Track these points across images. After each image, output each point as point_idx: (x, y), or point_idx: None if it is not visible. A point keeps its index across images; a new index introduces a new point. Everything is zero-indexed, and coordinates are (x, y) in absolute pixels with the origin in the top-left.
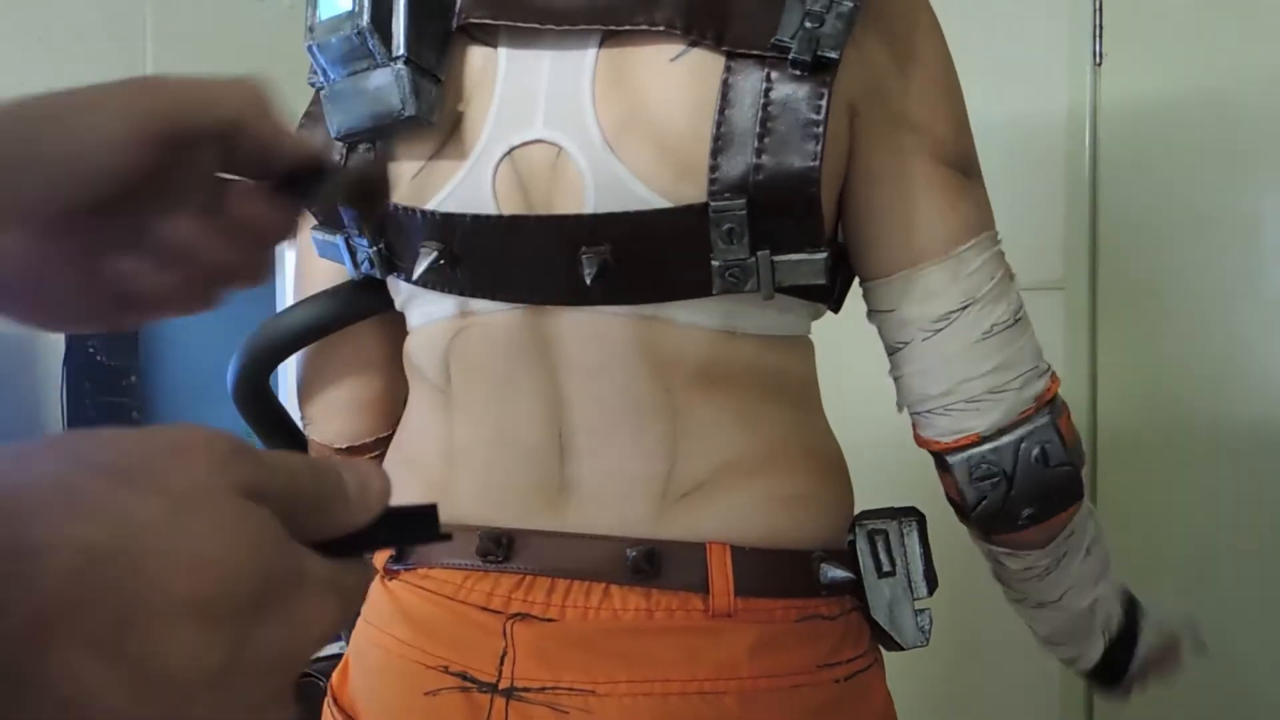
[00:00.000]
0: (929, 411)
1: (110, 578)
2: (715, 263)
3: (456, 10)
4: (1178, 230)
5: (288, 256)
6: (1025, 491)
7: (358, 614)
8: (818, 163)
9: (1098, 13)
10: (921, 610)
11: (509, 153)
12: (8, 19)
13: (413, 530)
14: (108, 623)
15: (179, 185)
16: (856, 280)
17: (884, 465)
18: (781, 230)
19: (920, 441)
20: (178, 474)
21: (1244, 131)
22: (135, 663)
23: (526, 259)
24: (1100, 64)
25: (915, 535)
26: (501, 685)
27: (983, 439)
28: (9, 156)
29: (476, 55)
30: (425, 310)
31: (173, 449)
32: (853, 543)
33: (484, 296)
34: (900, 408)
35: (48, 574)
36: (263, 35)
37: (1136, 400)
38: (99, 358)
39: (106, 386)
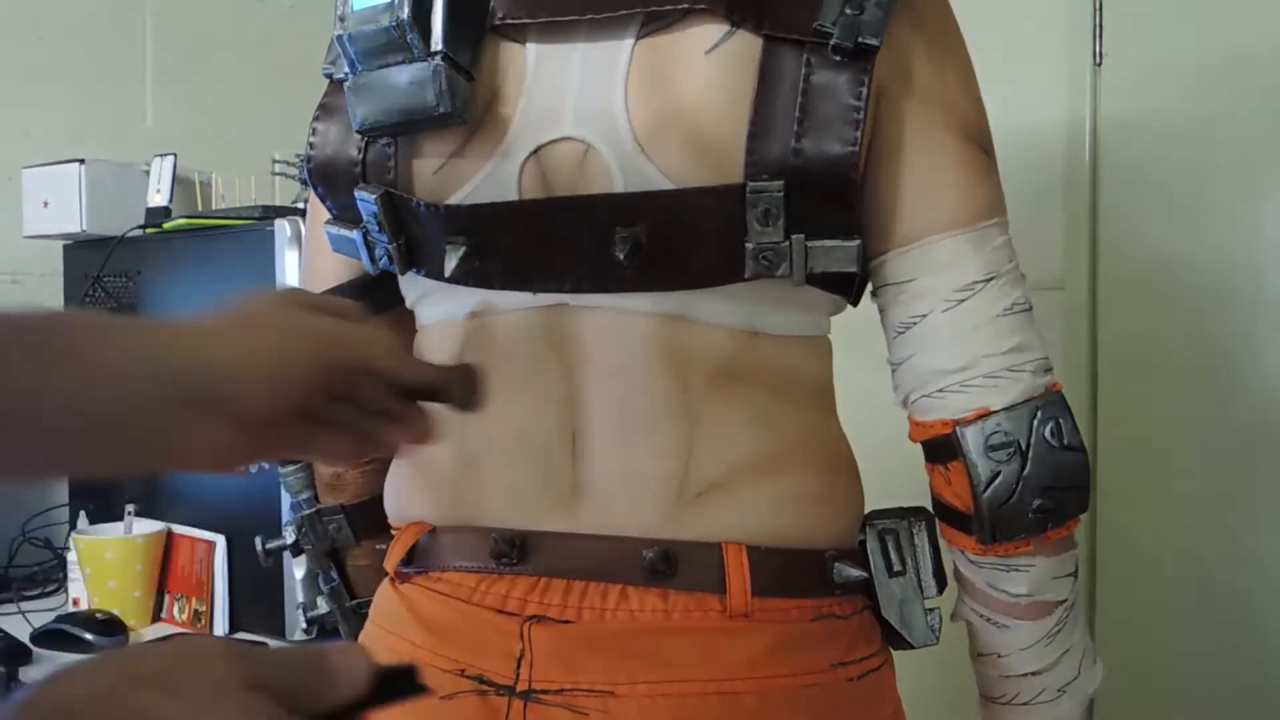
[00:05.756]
0: (941, 391)
1: None
2: (749, 245)
3: (491, 9)
4: (1178, 230)
5: (287, 256)
6: (1037, 473)
7: (364, 616)
8: (857, 148)
9: (1098, 13)
10: (931, 609)
11: (536, 150)
12: (8, 17)
13: (397, 690)
14: None
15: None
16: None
17: (893, 464)
18: (816, 215)
19: (921, 430)
20: (196, 678)
21: (1244, 132)
22: None
23: (558, 244)
24: (1100, 64)
25: (925, 535)
26: (519, 687)
27: (997, 412)
28: (232, 368)
29: (507, 51)
30: (439, 308)
31: (191, 658)
32: (863, 542)
33: (515, 288)
34: (901, 399)
35: None
36: (263, 35)
37: (1136, 400)
38: None
39: None
